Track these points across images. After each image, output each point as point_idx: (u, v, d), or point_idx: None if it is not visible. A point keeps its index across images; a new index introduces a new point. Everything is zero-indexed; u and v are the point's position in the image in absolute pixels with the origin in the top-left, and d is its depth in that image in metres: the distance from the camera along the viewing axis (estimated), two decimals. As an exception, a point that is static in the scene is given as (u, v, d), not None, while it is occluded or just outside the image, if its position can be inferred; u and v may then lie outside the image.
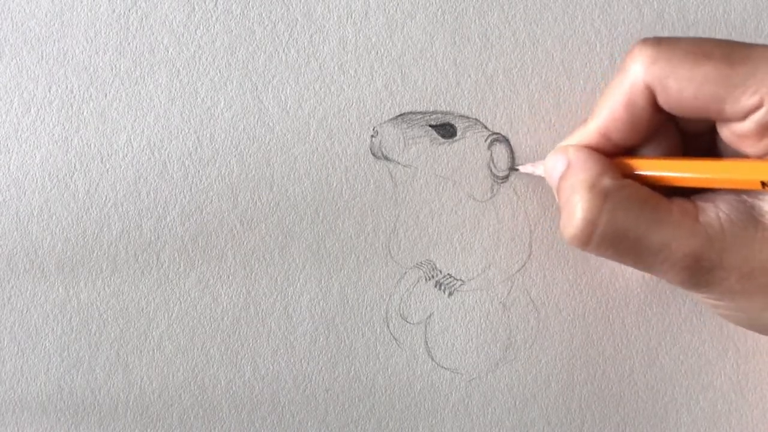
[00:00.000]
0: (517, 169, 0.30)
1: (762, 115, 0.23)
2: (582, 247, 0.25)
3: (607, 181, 0.25)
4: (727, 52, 0.24)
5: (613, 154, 0.27)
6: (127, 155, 0.30)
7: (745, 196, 0.25)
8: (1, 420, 0.29)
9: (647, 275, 0.31)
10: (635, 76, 0.25)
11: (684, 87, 0.24)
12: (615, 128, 0.26)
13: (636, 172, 0.26)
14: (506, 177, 0.30)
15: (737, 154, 0.25)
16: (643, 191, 0.25)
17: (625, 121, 0.26)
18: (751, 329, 0.27)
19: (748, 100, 0.23)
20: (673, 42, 0.25)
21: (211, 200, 0.30)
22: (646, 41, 0.25)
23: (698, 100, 0.24)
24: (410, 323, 0.30)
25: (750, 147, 0.24)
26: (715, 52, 0.24)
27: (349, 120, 0.30)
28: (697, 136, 0.27)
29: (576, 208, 0.25)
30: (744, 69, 0.23)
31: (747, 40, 0.26)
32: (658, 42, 0.25)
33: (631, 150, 0.27)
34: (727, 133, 0.25)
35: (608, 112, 0.26)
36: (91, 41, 0.30)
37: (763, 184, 0.24)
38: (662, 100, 0.25)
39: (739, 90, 0.23)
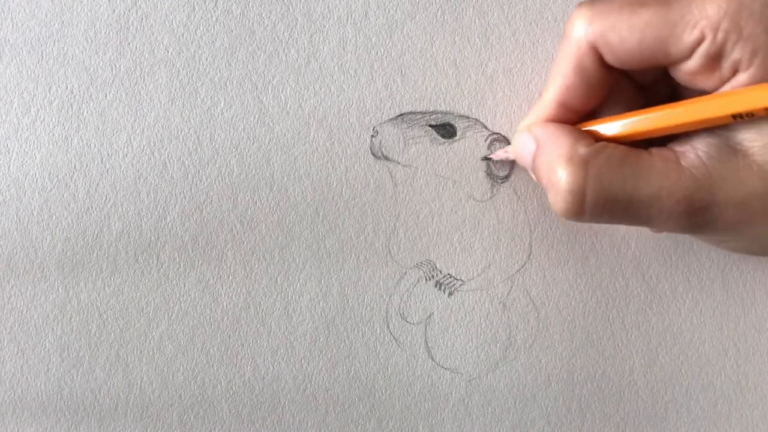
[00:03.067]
0: (489, 158, 0.30)
1: (707, 48, 0.24)
2: (577, 219, 0.25)
3: (582, 149, 0.25)
4: None
5: (575, 122, 0.27)
6: (127, 155, 0.30)
7: (718, 130, 0.25)
8: (1, 420, 0.29)
9: (647, 275, 0.31)
10: (578, 39, 0.25)
11: (626, 38, 0.24)
12: (571, 95, 0.26)
13: (607, 134, 0.26)
14: (506, 177, 0.30)
15: (695, 93, 0.25)
16: (620, 149, 0.25)
17: (579, 85, 0.26)
18: (765, 255, 0.27)
19: (689, 36, 0.24)
20: None
21: (211, 200, 0.30)
22: (581, 3, 0.25)
23: (642, 48, 0.24)
24: (410, 323, 0.30)
25: (705, 82, 0.24)
26: None
27: (349, 120, 0.30)
28: (652, 86, 0.27)
29: (560, 183, 0.25)
30: (679, 6, 0.24)
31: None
32: (593, 2, 0.25)
33: (592, 113, 0.27)
34: (679, 74, 0.25)
35: (560, 80, 0.26)
36: (91, 41, 0.30)
37: (734, 116, 0.24)
38: (609, 57, 0.25)
39: (679, 28, 0.24)
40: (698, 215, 0.25)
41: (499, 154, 0.30)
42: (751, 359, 0.31)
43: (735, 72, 0.24)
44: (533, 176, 0.27)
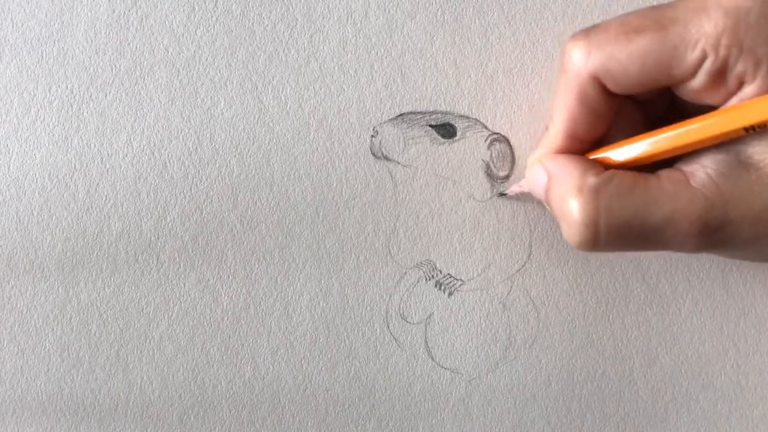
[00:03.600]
0: (505, 194, 0.30)
1: (710, 65, 0.23)
2: (592, 249, 0.25)
3: (591, 179, 0.25)
4: (655, 19, 0.24)
5: (584, 150, 0.27)
6: (127, 155, 0.30)
7: (726, 146, 0.24)
8: (1, 420, 0.29)
9: (647, 275, 0.31)
10: (578, 72, 0.25)
11: (627, 67, 0.24)
12: (577, 126, 0.26)
13: (618, 160, 0.26)
14: (506, 177, 0.30)
15: (702, 107, 0.25)
16: (629, 176, 0.25)
17: (584, 116, 0.26)
18: None
19: (692, 57, 0.23)
20: (601, 28, 0.25)
21: (211, 200, 0.30)
22: (575, 36, 0.25)
23: (645, 73, 0.24)
24: (410, 323, 0.30)
25: (712, 97, 0.24)
26: (643, 24, 0.24)
27: (349, 120, 0.30)
28: (657, 103, 0.27)
29: (573, 215, 0.25)
30: (677, 29, 0.24)
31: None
32: (587, 33, 0.25)
33: (601, 140, 0.27)
34: (685, 93, 0.25)
35: (565, 113, 0.26)
36: (91, 41, 0.30)
37: (746, 129, 0.23)
38: (611, 85, 0.25)
39: (680, 50, 0.24)
40: (714, 235, 0.24)
41: (514, 188, 0.30)
42: (751, 359, 0.31)
43: (741, 84, 0.24)
44: (548, 208, 0.27)
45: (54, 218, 0.29)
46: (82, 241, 0.30)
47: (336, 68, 0.30)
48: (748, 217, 0.24)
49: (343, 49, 0.30)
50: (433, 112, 0.30)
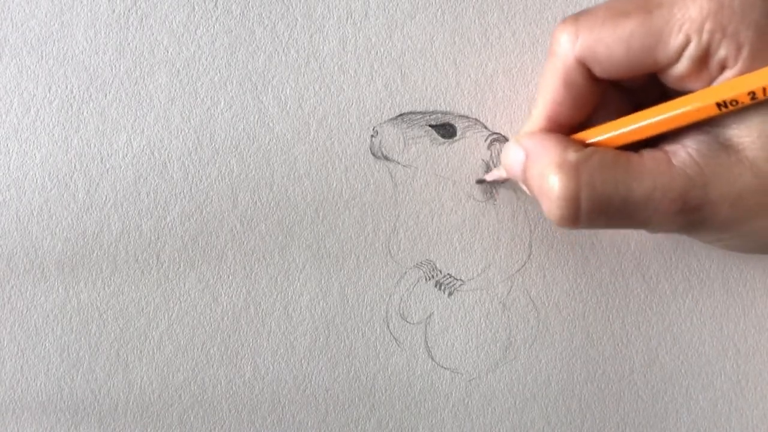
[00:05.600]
0: (483, 180, 0.30)
1: (693, 50, 0.24)
2: (573, 226, 0.25)
3: (572, 155, 0.25)
4: (641, 3, 0.24)
5: (566, 134, 0.27)
6: (127, 155, 0.30)
7: (706, 127, 0.25)
8: (1, 420, 0.29)
9: (647, 275, 0.31)
10: (565, 55, 0.25)
11: (613, 50, 0.24)
12: (561, 110, 0.26)
13: (595, 139, 0.26)
14: (507, 177, 0.30)
15: (685, 94, 0.25)
16: (611, 153, 0.25)
17: (569, 100, 0.26)
18: (763, 252, 0.27)
19: (675, 41, 0.24)
20: (590, 12, 0.25)
21: (211, 200, 0.30)
22: (564, 21, 0.25)
23: (630, 58, 0.24)
24: (410, 323, 0.30)
25: (695, 83, 0.25)
26: (629, 8, 0.24)
27: (349, 120, 0.30)
28: (641, 90, 0.27)
29: (553, 190, 0.25)
30: (662, 12, 0.24)
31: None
32: (576, 18, 0.25)
33: (583, 124, 0.27)
34: (669, 78, 0.25)
35: (550, 96, 0.26)
36: (91, 41, 0.30)
37: (719, 105, 0.24)
38: (597, 69, 0.25)
39: (664, 34, 0.24)
40: (693, 213, 0.24)
41: (493, 174, 0.30)
42: (751, 359, 0.31)
43: (723, 69, 0.24)
44: (524, 188, 0.27)
45: (54, 218, 0.29)
46: (82, 241, 0.30)
47: (336, 68, 0.30)
48: (727, 197, 0.24)
49: (343, 49, 0.30)
50: (433, 112, 0.30)
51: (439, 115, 0.30)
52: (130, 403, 0.30)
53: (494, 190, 0.30)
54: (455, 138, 0.30)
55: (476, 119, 0.30)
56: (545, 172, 0.25)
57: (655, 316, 0.31)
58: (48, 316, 0.30)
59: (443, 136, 0.30)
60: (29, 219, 0.29)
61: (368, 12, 0.30)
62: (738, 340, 0.31)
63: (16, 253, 0.29)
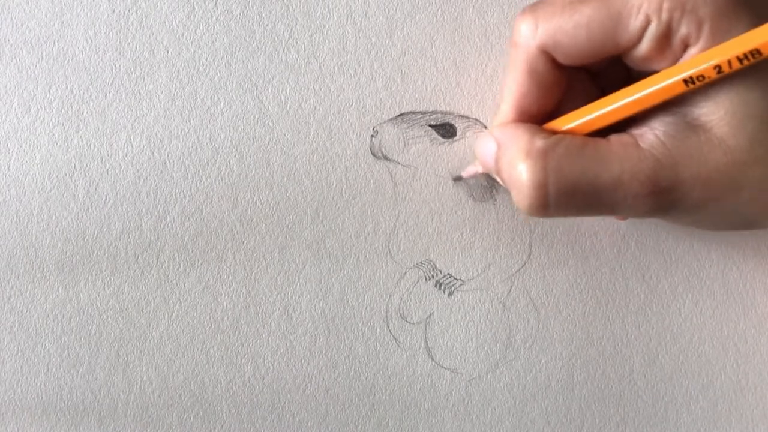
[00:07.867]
0: (461, 177, 0.30)
1: (654, 30, 0.24)
2: (542, 214, 0.25)
3: (539, 142, 0.25)
4: None
5: (537, 124, 0.27)
6: (127, 155, 0.30)
7: (674, 108, 0.25)
8: (1, 420, 0.29)
9: (647, 275, 0.31)
10: (526, 45, 0.25)
11: (573, 37, 0.24)
12: (528, 100, 0.26)
13: (563, 128, 0.26)
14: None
15: (651, 74, 0.25)
16: (578, 139, 0.25)
17: (535, 89, 0.26)
18: (736, 229, 0.27)
19: (636, 22, 0.24)
20: (548, 1, 0.25)
21: (211, 200, 0.30)
22: (523, 11, 0.26)
23: (592, 43, 0.24)
24: (410, 323, 0.30)
25: (659, 63, 0.25)
26: None
27: (349, 120, 0.30)
28: (607, 72, 0.27)
29: (521, 178, 0.25)
30: None
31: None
32: (534, 7, 0.25)
33: (552, 113, 0.27)
34: (632, 60, 0.25)
35: (515, 88, 0.26)
36: (91, 41, 0.30)
37: (686, 81, 0.24)
38: (560, 57, 0.25)
39: (623, 17, 0.24)
40: (664, 196, 0.24)
41: (469, 170, 0.30)
42: (751, 359, 0.31)
43: (686, 47, 0.24)
44: (498, 179, 0.27)
45: (54, 218, 0.29)
46: (82, 241, 0.30)
47: (336, 68, 0.30)
48: (699, 178, 0.24)
49: (343, 49, 0.30)
50: (433, 112, 0.30)
51: (439, 115, 0.30)
52: (130, 403, 0.30)
53: (494, 190, 0.31)
54: (455, 138, 0.30)
55: (476, 119, 0.30)
56: (514, 160, 0.25)
57: (655, 316, 0.31)
58: (48, 316, 0.30)
59: (443, 136, 0.30)
60: (29, 219, 0.29)
61: (368, 12, 0.30)
62: (738, 340, 0.31)
63: (16, 253, 0.29)
